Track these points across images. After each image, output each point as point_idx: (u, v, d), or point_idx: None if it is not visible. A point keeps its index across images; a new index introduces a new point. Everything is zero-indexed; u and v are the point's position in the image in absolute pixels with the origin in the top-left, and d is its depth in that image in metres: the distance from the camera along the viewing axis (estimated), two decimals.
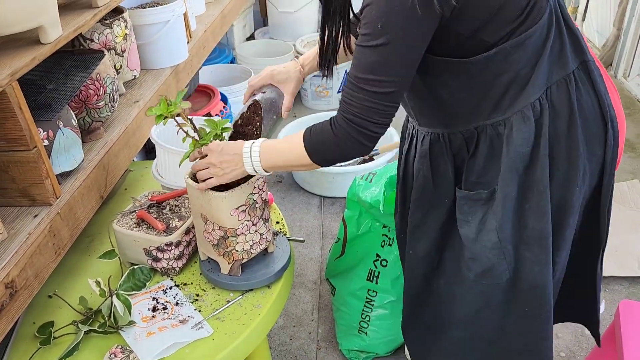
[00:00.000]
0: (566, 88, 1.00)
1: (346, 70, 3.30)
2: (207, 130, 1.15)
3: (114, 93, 1.37)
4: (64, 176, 1.18)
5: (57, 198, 1.12)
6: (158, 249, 1.25)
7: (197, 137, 1.14)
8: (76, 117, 1.26)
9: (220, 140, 1.14)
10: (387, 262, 1.64)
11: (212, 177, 1.10)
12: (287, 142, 1.06)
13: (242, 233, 1.17)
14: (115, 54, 1.48)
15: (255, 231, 1.20)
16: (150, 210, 1.33)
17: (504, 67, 0.97)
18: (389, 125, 0.97)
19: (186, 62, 1.86)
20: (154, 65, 1.72)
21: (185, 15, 1.81)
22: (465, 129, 1.07)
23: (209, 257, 1.27)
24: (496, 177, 1.05)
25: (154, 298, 1.22)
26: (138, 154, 2.25)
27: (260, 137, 1.22)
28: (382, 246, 1.63)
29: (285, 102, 1.25)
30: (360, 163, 2.42)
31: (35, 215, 1.08)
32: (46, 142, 1.09)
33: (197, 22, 2.11)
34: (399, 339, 1.73)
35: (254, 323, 1.17)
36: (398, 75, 0.92)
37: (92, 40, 1.41)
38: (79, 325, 1.13)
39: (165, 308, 1.19)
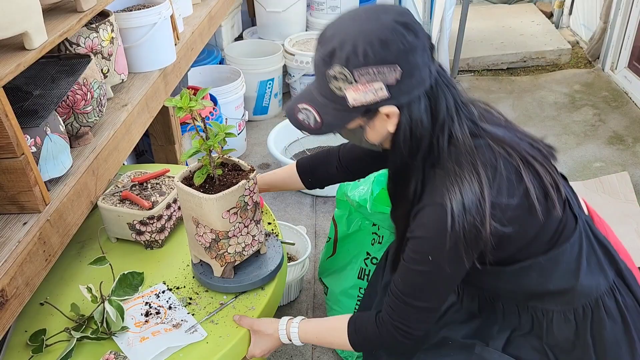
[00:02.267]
0: (613, 296, 1.10)
1: None
2: (215, 131, 1.15)
3: (102, 97, 1.37)
4: (52, 182, 1.17)
5: (47, 205, 1.12)
6: (141, 222, 1.31)
7: (204, 137, 1.14)
8: (64, 122, 1.25)
9: (222, 150, 1.18)
10: (377, 259, 1.64)
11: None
12: (329, 330, 1.16)
13: (234, 235, 1.17)
14: (102, 58, 1.48)
15: (247, 233, 1.20)
16: (133, 190, 1.40)
17: (538, 278, 1.07)
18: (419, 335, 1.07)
19: (174, 65, 1.85)
20: (142, 68, 1.71)
21: (172, 17, 1.81)
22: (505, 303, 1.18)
23: (201, 260, 1.27)
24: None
25: (146, 303, 1.22)
26: (128, 158, 2.24)
27: None
28: (372, 244, 1.64)
29: None
30: None
31: (25, 223, 1.07)
32: (34, 149, 1.08)
33: (185, 24, 2.10)
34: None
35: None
36: (440, 296, 1.04)
37: (78, 45, 1.41)
38: (72, 332, 1.13)
39: (158, 312, 1.19)
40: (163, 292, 1.25)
